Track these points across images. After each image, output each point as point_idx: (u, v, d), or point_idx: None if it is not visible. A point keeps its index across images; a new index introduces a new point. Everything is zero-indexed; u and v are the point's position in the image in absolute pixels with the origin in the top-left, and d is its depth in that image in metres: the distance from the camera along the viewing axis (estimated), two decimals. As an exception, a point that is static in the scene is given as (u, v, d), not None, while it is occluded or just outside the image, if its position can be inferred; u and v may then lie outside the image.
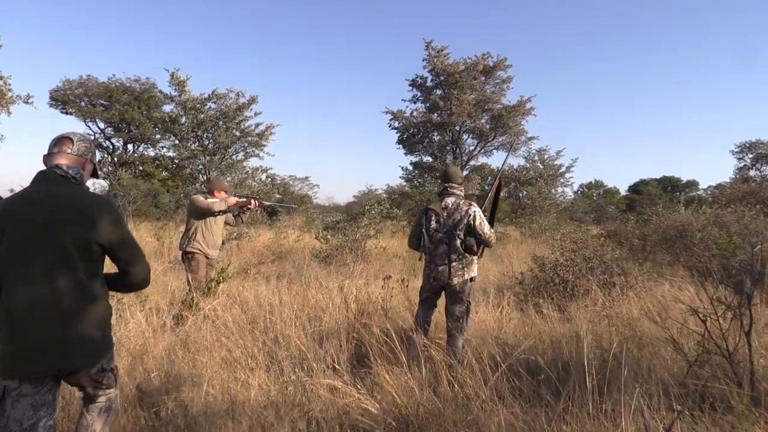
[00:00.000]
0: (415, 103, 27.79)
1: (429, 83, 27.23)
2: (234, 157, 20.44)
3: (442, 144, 27.95)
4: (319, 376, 3.48)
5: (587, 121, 71.55)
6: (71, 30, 74.88)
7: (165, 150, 28.62)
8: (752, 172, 33.16)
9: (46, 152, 2.42)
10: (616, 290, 7.18)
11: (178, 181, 24.14)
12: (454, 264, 4.49)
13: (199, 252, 6.17)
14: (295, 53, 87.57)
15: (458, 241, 4.48)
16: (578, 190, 50.00)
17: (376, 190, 44.60)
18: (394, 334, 3.92)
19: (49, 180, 2.28)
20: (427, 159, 29.07)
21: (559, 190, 36.48)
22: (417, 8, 78.33)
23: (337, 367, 3.68)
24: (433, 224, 4.63)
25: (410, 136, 28.15)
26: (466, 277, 4.54)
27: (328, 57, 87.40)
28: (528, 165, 33.58)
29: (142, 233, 13.98)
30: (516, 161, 38.48)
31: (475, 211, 4.53)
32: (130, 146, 32.74)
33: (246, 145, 20.33)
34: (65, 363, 2.20)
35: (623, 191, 51.31)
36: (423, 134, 27.91)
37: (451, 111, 25.55)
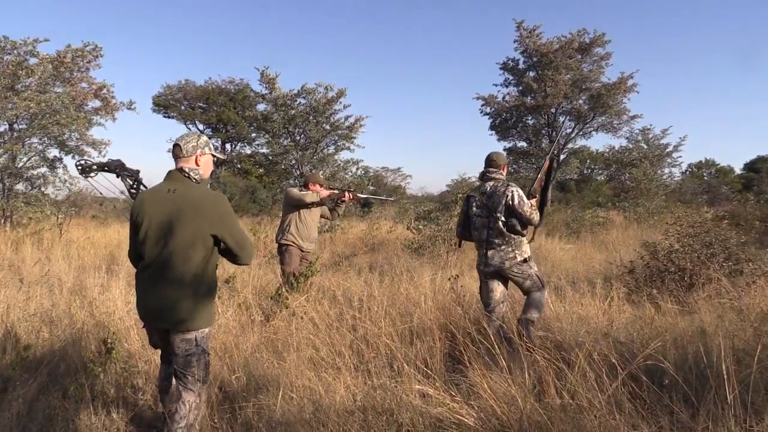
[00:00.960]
0: (507, 87, 26.88)
1: (521, 65, 26.20)
2: (325, 150, 20.48)
3: (537, 128, 26.86)
4: (409, 379, 3.14)
5: (695, 96, 66.48)
6: (167, 37, 79.02)
7: (260, 147, 29.38)
8: None
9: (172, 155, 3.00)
10: (744, 279, 6.37)
11: (273, 176, 24.64)
12: (503, 247, 4.47)
13: (293, 244, 6.14)
14: (379, 40, 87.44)
15: (500, 223, 4.44)
16: (687, 171, 46.79)
17: (468, 178, 43.74)
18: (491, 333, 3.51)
19: (173, 179, 2.89)
20: (522, 144, 28.07)
21: (666, 171, 34.20)
22: (506, -10, 75.72)
23: (428, 371, 3.32)
24: (475, 209, 4.65)
25: (503, 122, 27.26)
26: (519, 259, 4.47)
27: (413, 44, 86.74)
28: (631, 145, 31.69)
29: (239, 229, 14.30)
30: (617, 141, 36.50)
31: (513, 191, 4.43)
32: (228, 145, 33.99)
33: (336, 138, 20.28)
34: (173, 322, 2.79)
35: (738, 170, 47.49)
36: (516, 119, 26.93)
37: (546, 93, 24.43)
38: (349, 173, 20.31)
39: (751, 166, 45.84)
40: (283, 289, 5.36)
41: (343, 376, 3.43)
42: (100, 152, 16.66)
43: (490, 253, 4.50)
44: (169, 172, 2.92)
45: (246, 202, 24.87)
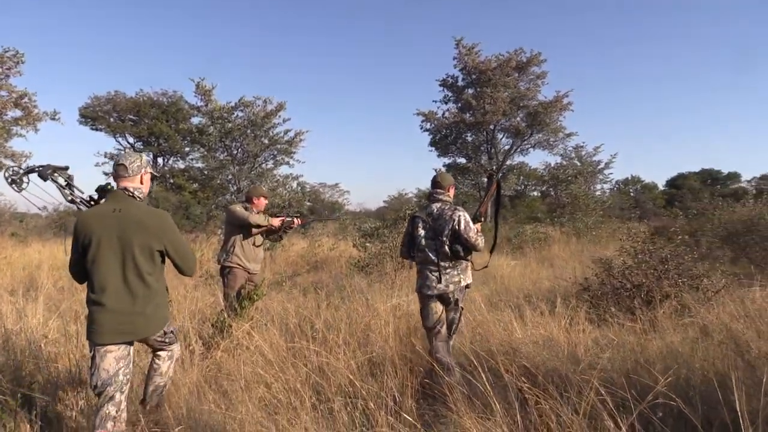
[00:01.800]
0: (446, 103, 27.06)
1: (460, 82, 26.44)
2: (264, 165, 19.86)
3: (476, 144, 27.09)
4: (380, 422, 2.72)
5: (618, 114, 69.26)
6: (95, 45, 75.99)
7: (194, 162, 28.34)
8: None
9: (113, 174, 3.19)
10: (700, 294, 6.30)
11: (208, 192, 23.71)
12: (448, 270, 4.33)
13: (237, 266, 5.64)
14: (315, 54, 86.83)
15: (446, 247, 4.32)
16: (614, 187, 48.53)
17: (407, 194, 43.92)
18: (477, 365, 3.14)
19: (117, 198, 3.03)
20: (461, 160, 28.23)
21: (598, 186, 35.35)
22: (444, 5, 76.72)
23: (400, 412, 2.91)
24: (421, 231, 4.49)
25: (443, 138, 27.37)
26: (462, 284, 4.37)
27: (352, 60, 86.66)
28: (565, 162, 32.51)
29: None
30: (552, 159, 37.37)
31: (460, 215, 4.33)
32: (160, 159, 32.65)
33: (275, 152, 19.71)
34: (136, 334, 3.03)
35: (661, 186, 49.65)
36: (456, 135, 27.09)
37: (485, 110, 24.67)
38: (288, 188, 19.74)
39: (673, 183, 47.96)
40: (225, 315, 4.86)
41: (302, 419, 2.98)
42: (20, 165, 15.47)
43: (434, 275, 4.34)
44: (113, 191, 3.11)
45: (179, 218, 23.74)
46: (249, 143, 19.02)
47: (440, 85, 26.88)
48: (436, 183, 4.63)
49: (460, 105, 26.26)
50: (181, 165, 32.03)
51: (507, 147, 26.84)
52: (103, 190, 3.29)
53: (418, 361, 4.23)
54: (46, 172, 3.27)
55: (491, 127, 25.91)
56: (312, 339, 4.36)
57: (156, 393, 3.38)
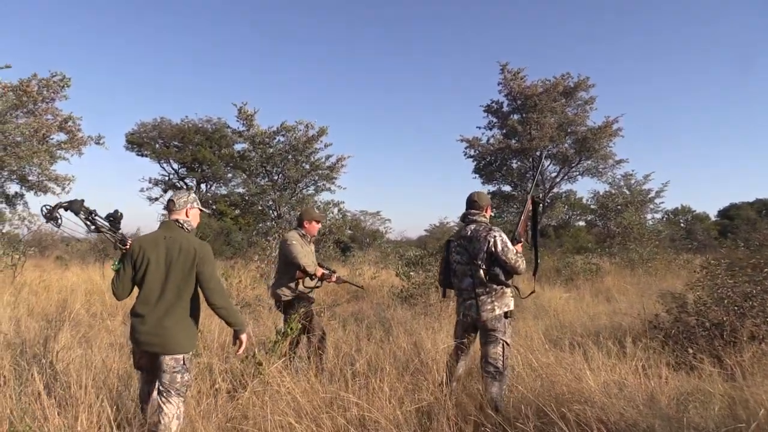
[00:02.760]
0: (491, 129, 26.51)
1: (505, 108, 25.88)
2: (305, 191, 19.59)
3: (522, 171, 26.36)
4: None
5: (668, 143, 67.17)
6: (141, 73, 78.29)
7: (235, 187, 28.40)
8: None
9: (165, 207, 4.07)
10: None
11: (249, 218, 23.55)
12: (482, 298, 3.97)
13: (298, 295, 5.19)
14: (358, 80, 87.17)
15: (481, 272, 3.96)
16: (663, 217, 46.83)
17: (448, 222, 43.25)
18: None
19: (168, 227, 3.45)
20: (506, 188, 27.51)
21: (648, 216, 33.94)
22: (489, 30, 76.13)
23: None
24: (455, 256, 4.20)
25: (487, 164, 26.74)
26: (498, 312, 3.94)
27: (395, 83, 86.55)
28: (614, 191, 31.37)
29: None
30: (600, 187, 36.23)
31: (495, 236, 3.97)
32: (203, 186, 32.90)
33: (317, 178, 19.44)
34: (163, 346, 3.29)
35: (712, 217, 47.67)
36: (501, 162, 26.43)
37: (531, 136, 23.99)
38: (330, 215, 19.38)
39: (725, 213, 46.00)
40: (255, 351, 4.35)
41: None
42: (63, 188, 15.58)
43: (468, 302, 4.03)
44: (165, 221, 3.54)
45: (220, 244, 23.64)
46: (290, 168, 18.82)
47: (484, 111, 26.41)
48: (471, 203, 4.27)
49: (505, 131, 25.65)
50: (223, 191, 32.22)
51: (554, 174, 26.03)
52: (113, 217, 3.50)
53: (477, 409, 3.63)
54: (75, 207, 3.44)
55: (537, 153, 25.16)
56: (352, 380, 3.81)
57: None
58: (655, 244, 18.96)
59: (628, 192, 31.80)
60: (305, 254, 5.11)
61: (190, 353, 3.43)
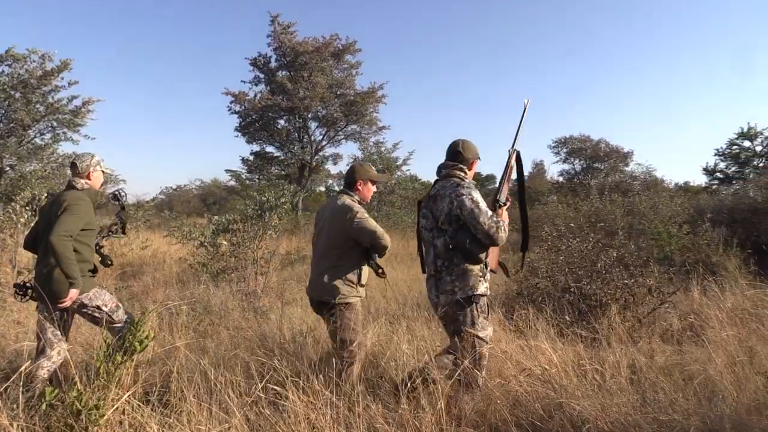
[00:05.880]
0: (257, 85, 24.78)
1: (273, 63, 24.39)
2: (38, 139, 15.75)
3: (289, 131, 25.26)
4: None
5: (410, 113, 71.84)
6: None
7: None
8: (566, 165, 35.06)
9: None
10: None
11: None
12: (443, 276, 3.12)
13: (359, 297, 3.62)
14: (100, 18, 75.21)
15: (441, 240, 3.12)
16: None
17: (185, 185, 40.97)
18: None
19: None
20: (270, 149, 26.20)
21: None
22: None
23: None
24: (422, 221, 3.36)
25: (251, 122, 24.97)
26: (458, 295, 3.05)
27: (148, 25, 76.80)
28: (370, 156, 32.25)
29: None
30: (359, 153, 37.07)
31: (462, 195, 3.04)
32: None
33: (55, 124, 15.70)
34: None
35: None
36: (266, 120, 24.89)
37: (303, 95, 22.97)
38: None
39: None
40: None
41: None
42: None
43: (431, 282, 3.23)
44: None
45: None
46: (17, 109, 14.82)
47: (251, 64, 24.53)
48: (453, 153, 3.31)
49: (272, 87, 24.13)
50: None
51: (320, 137, 25.47)
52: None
53: None
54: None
55: (307, 114, 24.27)
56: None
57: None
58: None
59: (378, 158, 33.08)
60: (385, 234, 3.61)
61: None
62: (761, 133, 17.58)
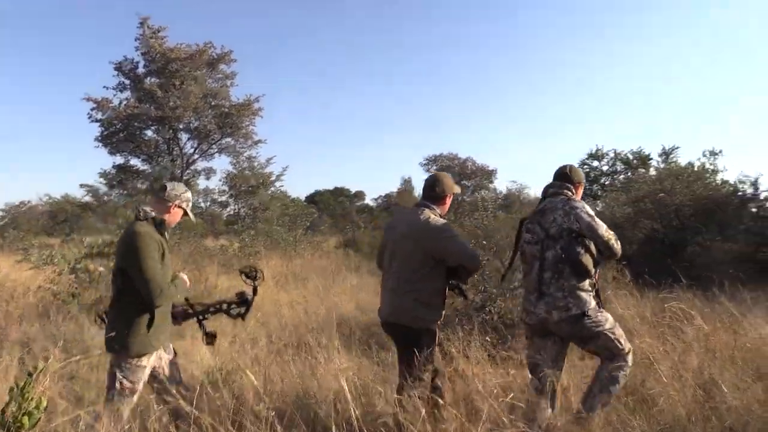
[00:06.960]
0: (122, 91, 22.91)
1: (140, 69, 22.71)
2: None
3: (158, 143, 23.61)
4: None
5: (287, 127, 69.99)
6: None
7: None
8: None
9: None
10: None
11: None
12: (550, 290, 3.09)
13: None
14: None
15: (552, 252, 3.09)
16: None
17: (29, 201, 37.14)
18: None
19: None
20: (135, 162, 24.29)
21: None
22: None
23: None
24: (526, 236, 3.29)
25: (114, 132, 22.97)
26: (574, 311, 3.01)
27: None
28: (240, 172, 31.28)
29: None
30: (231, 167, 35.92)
31: (577, 208, 3.10)
32: None
33: None
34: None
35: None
36: (132, 131, 23.03)
37: (175, 104, 21.58)
38: None
39: (312, 199, 50.36)
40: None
41: None
42: None
43: (532, 297, 3.17)
44: None
45: None
46: None
47: (115, 69, 22.61)
48: (561, 175, 3.37)
49: (140, 95, 22.38)
50: None
51: (192, 150, 24.08)
52: None
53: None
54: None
55: (179, 125, 22.82)
56: None
57: None
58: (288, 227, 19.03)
59: (249, 173, 32.19)
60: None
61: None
62: (607, 154, 19.49)
